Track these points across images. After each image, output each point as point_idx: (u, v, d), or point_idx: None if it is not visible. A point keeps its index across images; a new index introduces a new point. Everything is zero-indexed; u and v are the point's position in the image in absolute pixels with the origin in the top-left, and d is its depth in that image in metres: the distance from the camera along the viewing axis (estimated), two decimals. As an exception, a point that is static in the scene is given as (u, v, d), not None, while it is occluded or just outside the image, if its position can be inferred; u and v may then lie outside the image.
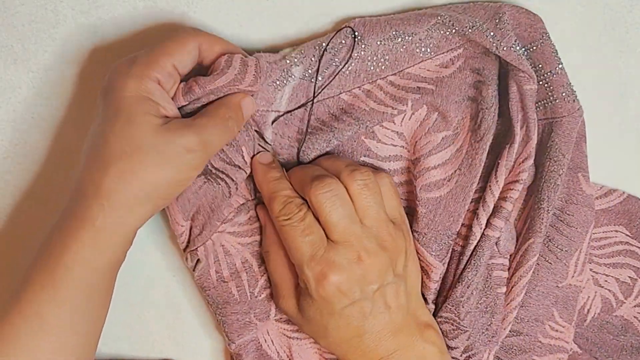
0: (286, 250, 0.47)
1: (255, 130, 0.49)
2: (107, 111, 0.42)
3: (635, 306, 0.55)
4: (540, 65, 0.49)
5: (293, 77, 0.47)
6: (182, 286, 0.54)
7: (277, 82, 0.47)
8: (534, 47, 0.48)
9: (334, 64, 0.48)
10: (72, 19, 0.49)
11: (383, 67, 0.48)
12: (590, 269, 0.54)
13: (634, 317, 0.55)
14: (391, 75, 0.49)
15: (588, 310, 0.55)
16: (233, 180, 0.48)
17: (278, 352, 0.53)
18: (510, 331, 0.52)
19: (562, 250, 0.51)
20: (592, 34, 0.51)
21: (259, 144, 0.49)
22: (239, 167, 0.48)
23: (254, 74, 0.45)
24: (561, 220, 0.51)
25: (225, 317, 0.51)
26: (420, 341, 0.48)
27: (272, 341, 0.52)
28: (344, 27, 0.47)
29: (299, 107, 0.48)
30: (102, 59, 0.50)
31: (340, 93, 0.49)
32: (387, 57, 0.48)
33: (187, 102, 0.45)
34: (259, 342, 0.52)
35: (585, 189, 0.51)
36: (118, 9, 0.49)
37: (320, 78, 0.48)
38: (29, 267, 0.44)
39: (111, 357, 0.55)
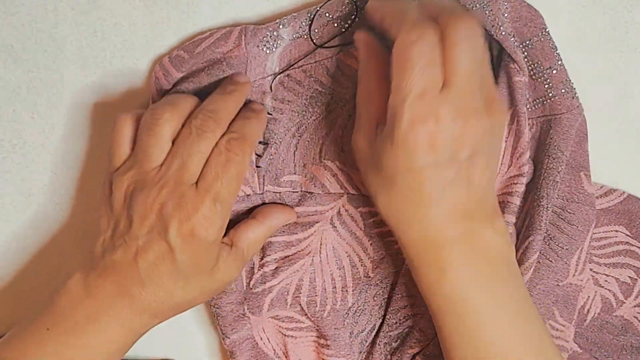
0: (393, 76, 0.40)
1: None
2: (192, 263, 0.44)
3: (635, 306, 0.55)
4: (539, 62, 0.48)
5: (282, 38, 0.47)
6: (182, 286, 0.54)
7: (267, 44, 0.46)
8: (533, 43, 0.48)
9: (332, 23, 0.47)
10: (72, 19, 0.49)
11: None
12: (590, 269, 0.54)
13: (634, 317, 0.55)
14: None
15: (588, 310, 0.55)
16: None
17: (274, 350, 0.53)
18: None
19: (563, 248, 0.51)
20: (592, 34, 0.51)
21: None
22: None
23: (238, 32, 0.46)
24: (562, 219, 0.51)
25: (219, 309, 0.51)
26: (490, 230, 0.43)
27: (268, 339, 0.52)
28: None
29: (295, 64, 0.48)
30: (102, 59, 0.50)
31: (339, 53, 0.48)
32: None
33: (180, 74, 0.46)
34: (254, 340, 0.52)
35: (587, 188, 0.51)
36: (118, 9, 0.49)
37: (318, 37, 0.47)
38: (50, 312, 0.44)
39: (111, 357, 0.55)
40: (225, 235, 0.47)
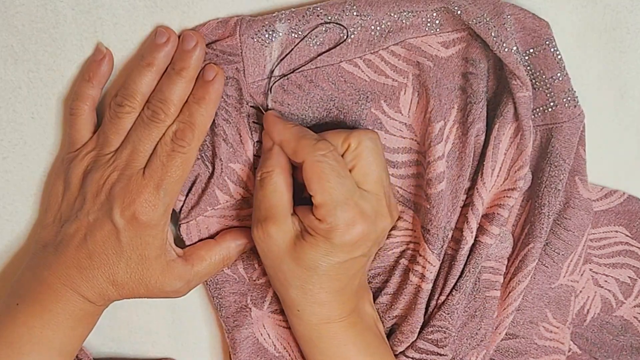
0: (314, 191, 0.45)
1: (252, 106, 0.48)
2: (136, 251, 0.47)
3: (635, 306, 0.55)
4: (541, 71, 0.48)
5: (277, 32, 0.46)
6: (182, 286, 0.54)
7: (261, 36, 0.46)
8: (536, 52, 0.48)
9: (331, 28, 0.47)
10: (72, 19, 0.49)
11: (386, 38, 0.47)
12: (590, 269, 0.54)
13: (634, 317, 0.55)
14: (393, 45, 0.48)
15: (588, 311, 0.55)
16: (222, 160, 0.48)
17: (275, 345, 0.53)
18: (506, 334, 0.52)
19: (559, 254, 0.51)
20: (592, 34, 0.51)
21: (254, 121, 0.49)
22: (232, 146, 0.48)
23: (234, 22, 0.46)
24: (559, 224, 0.51)
25: (222, 299, 0.52)
26: (368, 305, 0.50)
27: (268, 334, 0.53)
28: (345, 1, 0.47)
29: (295, 70, 0.48)
30: (102, 59, 0.50)
31: (341, 62, 0.48)
32: (391, 28, 0.47)
33: None
34: (255, 337, 0.52)
35: (582, 192, 0.51)
36: (118, 9, 0.49)
37: (318, 43, 0.47)
38: (18, 287, 0.47)
39: (111, 357, 0.55)
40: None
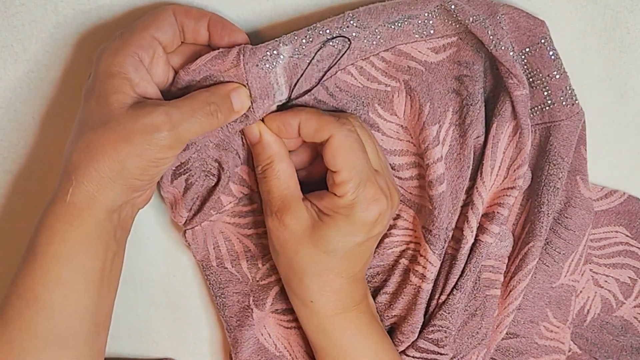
0: (341, 165, 0.44)
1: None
2: (88, 87, 0.43)
3: (635, 307, 0.55)
4: (537, 69, 0.48)
5: (282, 56, 0.45)
6: (182, 285, 0.54)
7: (266, 62, 0.45)
8: (532, 51, 0.48)
9: (330, 45, 0.47)
10: (72, 19, 0.49)
11: (377, 45, 0.47)
12: (590, 269, 0.54)
13: (634, 317, 0.55)
14: (383, 51, 0.48)
15: (588, 311, 0.55)
16: (226, 170, 0.48)
17: (276, 345, 0.53)
18: (506, 334, 0.52)
19: (560, 253, 0.51)
20: (592, 34, 0.51)
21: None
22: (236, 152, 0.48)
23: (237, 52, 0.45)
24: (559, 223, 0.51)
25: (225, 299, 0.52)
26: (370, 295, 0.51)
27: (269, 334, 0.53)
28: (344, 14, 0.46)
29: (304, 94, 0.47)
30: (102, 59, 0.50)
31: (336, 72, 0.48)
32: (383, 35, 0.47)
33: (177, 91, 0.45)
34: (256, 337, 0.53)
35: (583, 192, 0.51)
36: (119, 10, 0.49)
37: (318, 59, 0.47)
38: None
39: (111, 357, 0.55)
40: None
